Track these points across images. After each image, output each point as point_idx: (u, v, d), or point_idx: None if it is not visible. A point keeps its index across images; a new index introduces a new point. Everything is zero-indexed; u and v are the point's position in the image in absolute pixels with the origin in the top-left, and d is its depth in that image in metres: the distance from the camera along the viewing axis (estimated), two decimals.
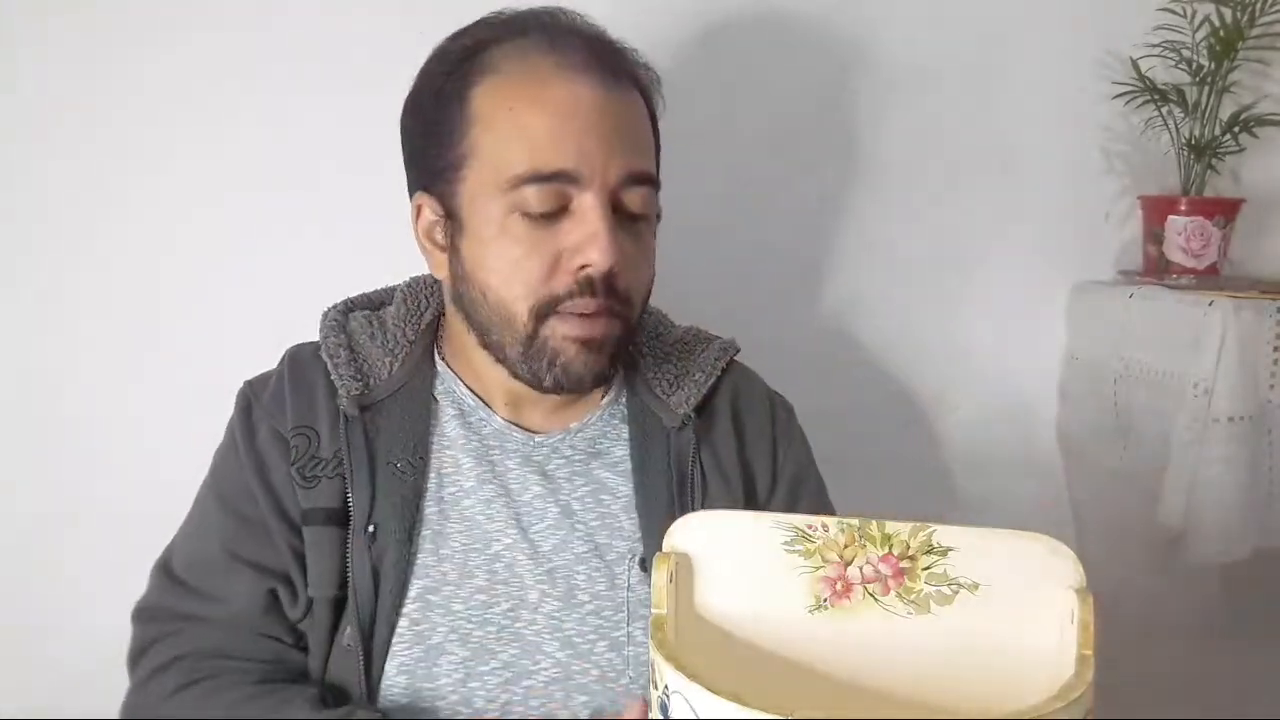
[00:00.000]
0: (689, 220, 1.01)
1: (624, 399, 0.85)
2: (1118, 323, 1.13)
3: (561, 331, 0.74)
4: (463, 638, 0.75)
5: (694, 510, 0.76)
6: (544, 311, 0.74)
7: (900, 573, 0.58)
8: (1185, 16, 1.11)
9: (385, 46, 1.02)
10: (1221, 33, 1.10)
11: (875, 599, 0.59)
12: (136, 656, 0.78)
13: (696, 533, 0.61)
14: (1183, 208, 1.13)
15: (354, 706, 0.73)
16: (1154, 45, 1.13)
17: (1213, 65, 1.11)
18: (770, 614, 0.60)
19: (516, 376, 0.77)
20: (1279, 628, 1.18)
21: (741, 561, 0.60)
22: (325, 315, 0.84)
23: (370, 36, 1.04)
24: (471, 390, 0.82)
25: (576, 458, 0.82)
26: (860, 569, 0.59)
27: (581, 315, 0.74)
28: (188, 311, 1.05)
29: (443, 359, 0.84)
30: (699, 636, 0.60)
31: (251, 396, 0.81)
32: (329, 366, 0.80)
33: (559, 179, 0.72)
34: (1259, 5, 1.09)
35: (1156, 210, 1.15)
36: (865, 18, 1.13)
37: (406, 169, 0.81)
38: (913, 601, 0.58)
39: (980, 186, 1.18)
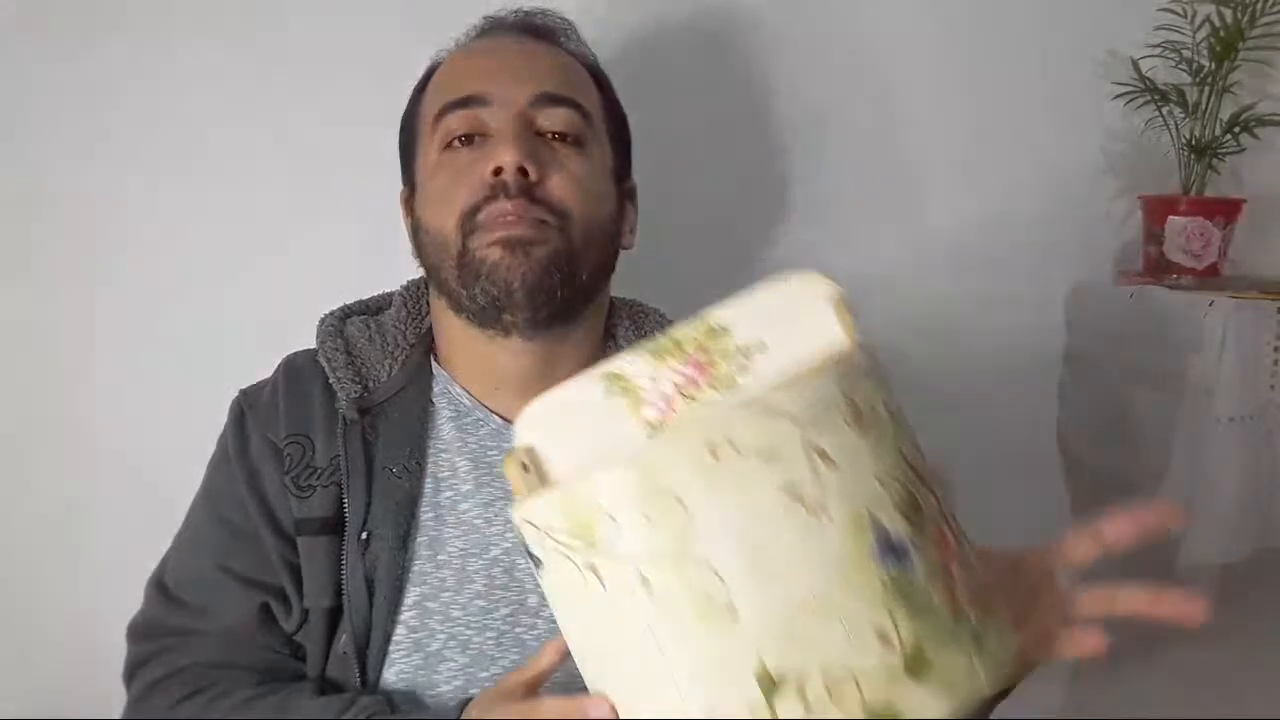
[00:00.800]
0: (686, 220, 1.01)
1: None
2: (1117, 323, 1.13)
3: (485, 239, 0.75)
4: (462, 645, 0.75)
5: None
6: (468, 225, 0.76)
7: (703, 367, 0.60)
8: (1185, 17, 1.11)
9: (384, 48, 1.02)
10: (1222, 33, 1.10)
11: (694, 400, 0.60)
12: (132, 671, 0.78)
13: (532, 424, 0.62)
14: (1183, 208, 1.13)
15: (358, 692, 0.73)
16: (1154, 45, 1.13)
17: (1213, 65, 1.11)
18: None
19: (462, 310, 0.77)
20: (1279, 628, 1.18)
21: (576, 430, 0.62)
22: (322, 322, 0.84)
23: (369, 39, 1.04)
24: (466, 391, 0.82)
25: None
26: (671, 382, 0.60)
27: (503, 220, 0.75)
28: (189, 312, 1.05)
29: (438, 361, 0.84)
30: None
31: (245, 406, 0.81)
32: (327, 370, 0.79)
33: (471, 103, 0.77)
34: (1259, 5, 1.09)
35: (1157, 210, 1.15)
36: (865, 18, 1.13)
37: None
38: (723, 386, 0.60)
39: (980, 186, 1.18)
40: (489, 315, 0.76)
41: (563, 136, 0.78)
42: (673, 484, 0.48)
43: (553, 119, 0.78)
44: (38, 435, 1.05)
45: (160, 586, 0.79)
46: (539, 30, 0.84)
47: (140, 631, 0.79)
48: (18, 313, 1.03)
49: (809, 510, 0.47)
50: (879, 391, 0.52)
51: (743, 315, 0.60)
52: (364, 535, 0.75)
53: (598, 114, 0.82)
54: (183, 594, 0.78)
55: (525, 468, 0.61)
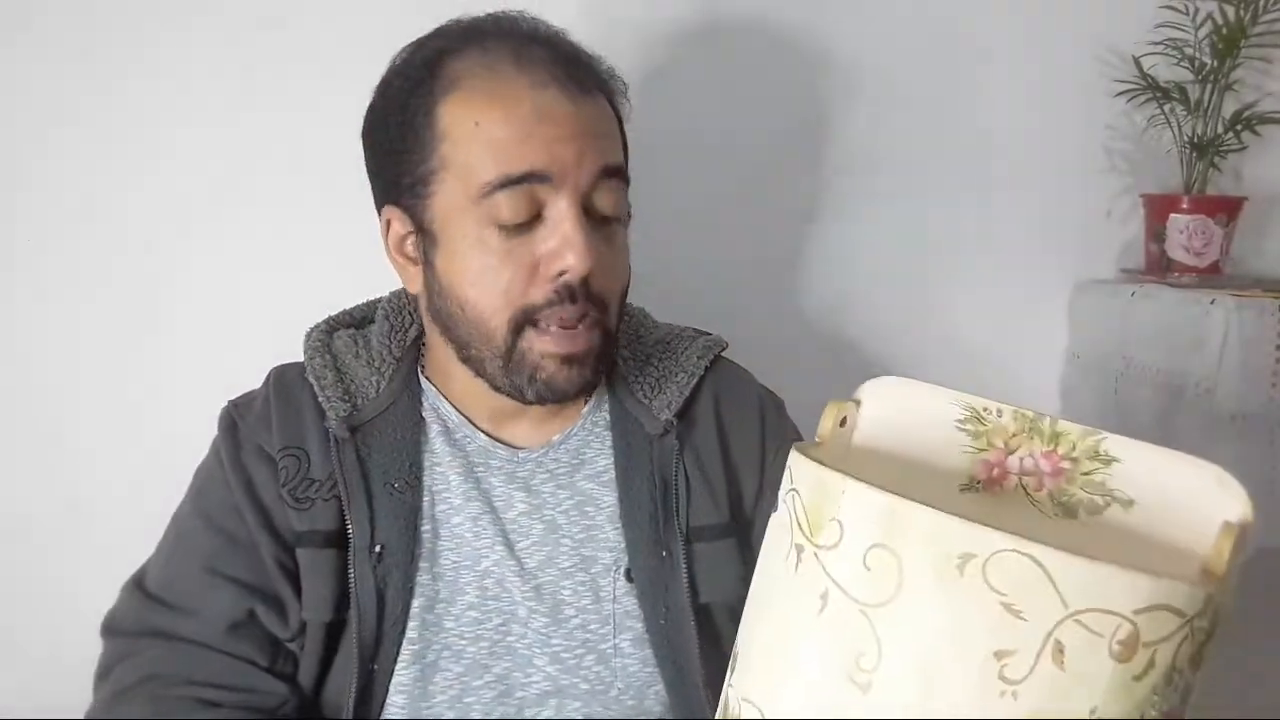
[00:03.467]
0: (686, 222, 1.01)
1: (606, 405, 0.83)
2: (1120, 321, 1.12)
3: (540, 348, 0.73)
4: (456, 654, 0.75)
5: (678, 518, 0.78)
6: (521, 323, 0.72)
7: (1059, 472, 0.56)
8: (1187, 14, 1.11)
9: (383, 50, 1.02)
10: (1224, 30, 1.09)
11: (1027, 493, 0.57)
12: (103, 675, 0.75)
13: (877, 392, 0.61)
14: (1185, 206, 1.13)
15: None
16: (1156, 43, 1.12)
17: (1215, 63, 1.11)
18: (921, 483, 0.59)
19: (498, 389, 0.76)
20: (1279, 628, 1.18)
21: (909, 426, 0.60)
22: (309, 336, 0.82)
23: (368, 38, 1.04)
24: (455, 407, 0.81)
25: (560, 470, 0.80)
26: (1021, 460, 0.57)
27: (561, 329, 0.72)
28: (189, 312, 1.05)
29: (425, 376, 0.82)
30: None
31: (236, 415, 0.79)
32: (315, 388, 0.78)
33: (529, 180, 0.70)
34: (1262, 2, 1.09)
35: (1159, 208, 1.15)
36: (866, 16, 1.13)
37: (372, 182, 0.79)
38: (1063, 504, 0.56)
39: (982, 184, 1.18)
40: (525, 400, 0.75)
41: (614, 217, 0.74)
42: (905, 554, 0.45)
43: (607, 199, 0.73)
44: (38, 435, 1.05)
45: (139, 586, 0.77)
46: (577, 74, 0.73)
47: (113, 629, 0.76)
48: (17, 313, 1.03)
49: (1001, 682, 0.44)
50: (1178, 647, 0.45)
51: (1138, 462, 0.54)
52: (377, 549, 0.74)
53: (625, 163, 0.78)
54: (163, 593, 0.75)
55: (843, 422, 0.60)
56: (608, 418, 0.82)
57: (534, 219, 0.71)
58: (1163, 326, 1.07)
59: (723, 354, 0.86)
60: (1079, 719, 0.44)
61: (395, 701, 0.74)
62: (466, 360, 0.76)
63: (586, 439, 0.82)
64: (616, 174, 0.74)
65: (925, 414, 0.60)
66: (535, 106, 0.71)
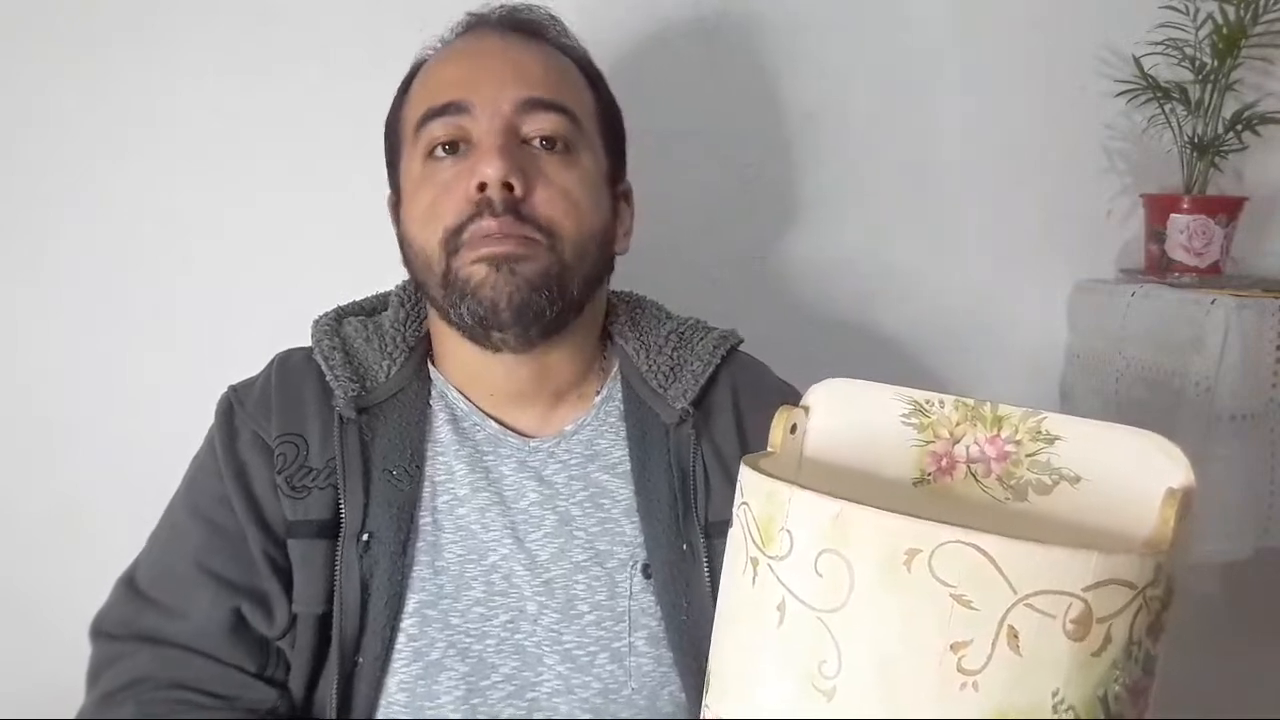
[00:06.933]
0: (685, 222, 1.00)
1: (619, 395, 0.82)
2: (1119, 321, 1.12)
3: (469, 257, 0.72)
4: (462, 652, 0.73)
5: (697, 510, 0.76)
6: (453, 244, 0.73)
7: (1004, 456, 0.57)
8: (1188, 14, 1.10)
9: (385, 44, 1.02)
10: (1224, 30, 1.09)
11: (976, 479, 0.58)
12: (94, 677, 0.74)
13: (820, 396, 0.62)
14: (1185, 206, 1.13)
15: None
16: (1156, 43, 1.12)
17: (1215, 63, 1.11)
18: (875, 482, 0.60)
19: (460, 329, 0.75)
20: (1279, 626, 1.18)
21: (858, 426, 0.60)
22: (317, 322, 0.82)
23: (371, 35, 1.04)
24: (463, 395, 0.80)
25: (573, 461, 0.79)
26: (967, 448, 0.58)
27: (486, 236, 0.72)
28: (189, 311, 1.05)
29: (434, 365, 0.82)
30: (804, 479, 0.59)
31: (235, 401, 0.78)
32: (324, 369, 0.77)
33: (451, 110, 0.74)
34: (1262, 2, 1.09)
35: (1159, 208, 1.15)
36: (865, 17, 1.13)
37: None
38: (1012, 487, 0.57)
39: (981, 184, 1.18)
40: (478, 333, 0.74)
41: (550, 143, 0.74)
42: (853, 557, 0.46)
43: (539, 124, 0.74)
44: (37, 435, 1.05)
45: (130, 583, 0.76)
46: (524, 26, 0.79)
47: (103, 631, 0.75)
48: (18, 313, 1.03)
49: (960, 674, 0.44)
50: (1134, 619, 0.45)
51: (1079, 437, 0.55)
52: (364, 537, 0.73)
53: (589, 116, 0.78)
54: (154, 591, 0.74)
55: (793, 429, 0.60)
56: (621, 408, 0.81)
57: (467, 150, 0.74)
58: (1163, 327, 1.07)
59: (737, 349, 0.85)
60: (1043, 702, 0.44)
61: (398, 699, 0.72)
62: (437, 310, 0.77)
63: (600, 429, 0.80)
64: (550, 107, 0.74)
65: (872, 412, 0.60)
66: (465, 45, 0.78)
